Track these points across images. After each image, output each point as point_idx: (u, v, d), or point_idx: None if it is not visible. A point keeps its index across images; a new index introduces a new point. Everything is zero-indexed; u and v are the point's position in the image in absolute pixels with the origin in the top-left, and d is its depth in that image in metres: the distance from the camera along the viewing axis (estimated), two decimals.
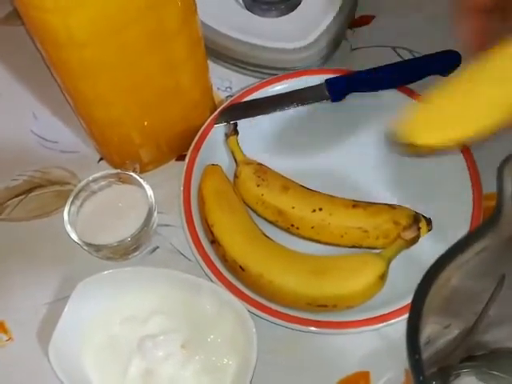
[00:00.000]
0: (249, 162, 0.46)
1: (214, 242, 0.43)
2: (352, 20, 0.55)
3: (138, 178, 0.45)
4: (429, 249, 0.41)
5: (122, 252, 0.44)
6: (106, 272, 0.40)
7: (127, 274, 0.41)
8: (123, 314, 0.41)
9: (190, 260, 0.45)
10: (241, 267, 0.41)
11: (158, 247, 0.46)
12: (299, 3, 0.53)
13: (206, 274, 0.42)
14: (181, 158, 0.50)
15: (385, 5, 0.57)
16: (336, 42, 0.54)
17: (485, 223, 0.21)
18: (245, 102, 0.50)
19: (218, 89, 0.53)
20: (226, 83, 0.54)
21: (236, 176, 0.46)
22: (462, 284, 0.23)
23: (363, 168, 0.48)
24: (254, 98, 0.50)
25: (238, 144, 0.47)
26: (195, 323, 0.40)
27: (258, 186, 0.44)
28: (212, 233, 0.43)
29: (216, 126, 0.48)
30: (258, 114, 0.49)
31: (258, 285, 0.41)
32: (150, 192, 0.44)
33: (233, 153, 0.47)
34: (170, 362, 0.39)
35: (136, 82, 0.42)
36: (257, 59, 0.52)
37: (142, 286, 0.41)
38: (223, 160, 0.48)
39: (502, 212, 0.21)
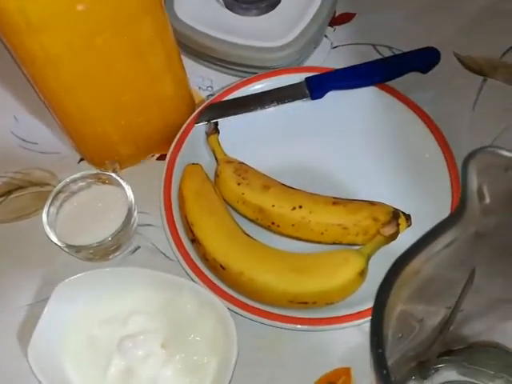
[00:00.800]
0: (229, 161, 0.46)
1: (194, 240, 0.43)
2: (332, 18, 0.56)
3: (117, 178, 0.44)
4: (408, 244, 0.41)
5: (102, 252, 0.44)
6: (85, 273, 0.40)
7: (107, 274, 0.41)
8: (103, 315, 0.41)
9: (170, 259, 0.45)
10: (221, 266, 0.41)
11: (139, 247, 0.46)
12: (279, 2, 0.53)
13: (187, 274, 0.42)
14: (162, 157, 0.50)
15: (365, 3, 0.58)
16: (316, 39, 0.54)
17: (449, 217, 0.21)
18: (225, 100, 0.50)
19: (199, 88, 0.53)
20: (207, 82, 0.54)
21: (217, 175, 0.46)
22: (432, 276, 0.24)
23: (343, 165, 0.48)
24: (235, 96, 0.50)
25: (218, 143, 0.47)
26: (176, 322, 0.40)
27: (239, 184, 0.44)
28: (192, 232, 0.43)
29: (197, 125, 0.48)
30: (239, 113, 0.49)
31: (238, 283, 0.41)
32: (129, 192, 0.44)
33: (213, 152, 0.47)
34: (150, 362, 0.39)
35: (112, 86, 0.42)
36: (237, 58, 0.52)
37: (123, 286, 0.41)
38: (204, 159, 0.48)
39: (466, 206, 0.21)
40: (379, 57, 0.54)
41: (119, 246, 0.45)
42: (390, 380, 0.19)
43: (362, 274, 0.40)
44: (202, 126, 0.49)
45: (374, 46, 0.55)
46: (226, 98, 0.50)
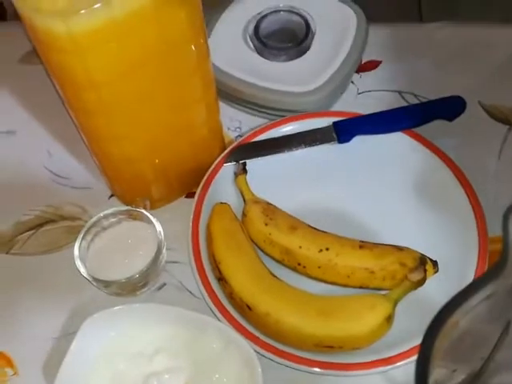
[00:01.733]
0: (257, 201, 0.47)
1: (221, 279, 0.43)
2: (359, 65, 0.57)
3: (147, 214, 0.45)
4: (435, 291, 0.41)
5: (130, 288, 0.44)
6: (113, 308, 0.41)
7: (135, 310, 0.41)
8: (129, 351, 0.41)
9: (197, 297, 0.45)
10: (248, 306, 0.41)
11: (165, 284, 0.46)
12: (308, 49, 0.55)
13: (213, 312, 0.43)
14: (190, 195, 0.51)
15: (391, 50, 0.59)
16: (343, 86, 0.55)
17: (490, 270, 0.22)
18: (254, 142, 0.51)
19: (228, 129, 0.55)
20: (236, 123, 0.55)
21: (244, 214, 0.47)
22: (468, 329, 0.24)
23: (369, 209, 0.48)
24: (263, 138, 0.51)
25: (246, 183, 0.48)
26: (200, 362, 0.40)
27: (266, 224, 0.45)
28: (219, 270, 0.43)
29: (225, 164, 0.49)
30: (267, 154, 0.50)
31: (264, 324, 0.41)
32: (159, 228, 0.45)
33: (241, 191, 0.48)
34: None
35: (149, 121, 0.43)
36: (266, 101, 0.53)
37: (149, 322, 0.41)
38: (232, 198, 0.49)
39: (507, 259, 0.21)
40: (404, 103, 0.55)
41: (147, 283, 0.45)
42: None
43: (389, 319, 0.40)
44: (230, 166, 0.50)
45: (399, 92, 0.56)
46: (254, 140, 0.51)
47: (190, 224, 0.46)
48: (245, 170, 0.49)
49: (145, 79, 0.40)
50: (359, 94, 0.57)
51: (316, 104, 0.53)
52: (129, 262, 0.44)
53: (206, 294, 0.43)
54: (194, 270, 0.44)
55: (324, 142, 0.51)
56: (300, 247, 0.44)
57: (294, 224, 0.45)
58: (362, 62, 0.58)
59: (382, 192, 0.49)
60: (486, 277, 0.22)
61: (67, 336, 0.43)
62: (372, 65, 0.58)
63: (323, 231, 0.45)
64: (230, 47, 0.55)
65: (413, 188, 0.49)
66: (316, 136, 0.51)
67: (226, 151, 0.50)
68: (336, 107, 0.55)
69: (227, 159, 0.50)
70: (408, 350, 0.40)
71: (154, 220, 0.45)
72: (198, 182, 0.48)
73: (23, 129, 0.56)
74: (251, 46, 0.55)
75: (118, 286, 0.43)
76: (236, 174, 0.49)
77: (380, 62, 0.59)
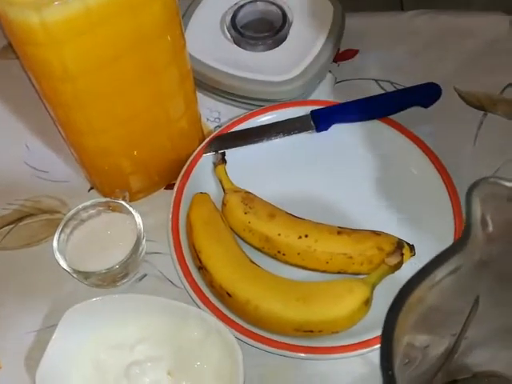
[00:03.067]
0: (236, 190, 0.47)
1: (201, 268, 0.44)
2: (336, 54, 0.57)
3: (127, 206, 0.45)
4: (412, 274, 0.42)
5: (110, 279, 0.45)
6: (93, 299, 0.41)
7: (115, 301, 0.42)
8: (111, 341, 0.41)
9: (177, 287, 0.46)
10: (228, 293, 0.42)
11: (146, 274, 0.47)
12: (285, 38, 0.55)
13: (194, 301, 0.43)
14: (170, 186, 0.51)
15: (368, 40, 0.60)
16: (321, 75, 0.56)
17: (453, 245, 0.22)
18: (233, 132, 0.51)
19: (207, 119, 0.55)
20: (215, 114, 0.56)
21: (224, 204, 0.47)
22: (437, 304, 0.24)
23: (347, 195, 0.49)
24: (242, 128, 0.51)
25: (225, 173, 0.49)
26: (182, 350, 0.41)
27: (246, 213, 0.45)
28: (199, 259, 0.44)
29: (205, 155, 0.50)
30: (246, 144, 0.51)
31: (244, 311, 0.42)
32: (138, 220, 0.45)
33: (221, 181, 0.49)
34: None
35: (126, 113, 0.43)
36: (244, 91, 0.54)
37: (130, 312, 0.41)
38: (211, 188, 0.49)
39: (470, 234, 0.22)
40: (381, 91, 0.56)
41: (127, 273, 0.45)
42: None
43: (367, 303, 0.41)
44: (209, 157, 0.50)
45: (376, 81, 0.57)
46: (233, 130, 0.51)
47: (170, 214, 0.47)
48: (224, 160, 0.49)
49: (121, 71, 0.40)
50: (337, 82, 0.57)
51: (294, 93, 0.53)
52: (109, 254, 0.44)
53: (186, 283, 0.44)
54: (174, 260, 0.45)
55: (302, 131, 0.51)
56: (279, 234, 0.44)
57: (273, 212, 0.46)
58: (340, 51, 0.59)
59: (360, 179, 0.50)
60: (448, 251, 0.22)
61: (49, 328, 0.43)
62: (349, 54, 0.59)
63: (302, 218, 0.46)
64: (207, 38, 0.55)
65: (389, 174, 0.50)
66: (294, 125, 0.51)
67: (204, 142, 0.50)
68: (314, 96, 0.56)
69: (206, 149, 0.50)
70: None
71: (133, 211, 0.45)
72: (178, 174, 0.49)
73: (0, 124, 0.56)
74: (228, 36, 0.55)
75: (98, 277, 0.43)
76: (215, 164, 0.49)
77: (357, 51, 0.59)
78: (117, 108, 0.42)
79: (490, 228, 0.22)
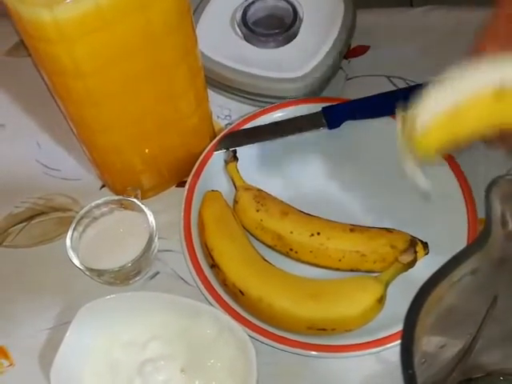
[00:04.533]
0: (248, 188, 0.47)
1: (213, 266, 0.44)
2: (347, 50, 0.57)
3: (139, 203, 0.45)
4: (426, 272, 0.42)
5: (123, 277, 0.45)
6: (107, 297, 0.41)
7: (128, 298, 0.42)
8: (124, 339, 0.41)
9: (190, 285, 0.46)
10: (240, 291, 0.42)
11: (158, 272, 0.47)
12: (296, 35, 0.55)
13: (206, 299, 0.43)
14: (181, 184, 0.51)
15: (379, 36, 0.59)
16: (332, 71, 0.55)
17: (473, 243, 0.22)
18: (244, 129, 0.51)
19: (218, 117, 0.55)
20: (226, 111, 0.55)
21: (235, 201, 0.47)
22: (455, 303, 0.24)
23: (360, 193, 0.48)
24: (253, 125, 0.51)
25: (237, 170, 0.48)
26: (195, 347, 0.41)
27: (258, 211, 0.45)
28: (212, 257, 0.43)
29: (216, 152, 0.49)
30: (257, 141, 0.51)
31: (257, 309, 0.41)
32: (151, 218, 0.45)
33: (232, 179, 0.48)
34: None
35: (138, 110, 0.43)
36: (255, 88, 0.53)
37: (143, 310, 0.41)
38: (223, 186, 0.49)
39: (490, 233, 0.22)
40: (393, 88, 0.55)
41: (140, 271, 0.45)
42: None
43: (381, 301, 0.40)
44: (221, 154, 0.50)
45: (387, 77, 0.56)
46: (244, 127, 0.51)
47: (182, 212, 0.47)
48: (235, 158, 0.49)
49: (132, 68, 0.40)
50: (348, 79, 0.57)
51: (305, 90, 0.53)
52: (121, 251, 0.44)
53: (199, 281, 0.44)
54: (186, 258, 0.45)
55: (314, 128, 0.51)
56: (291, 232, 0.44)
57: (285, 209, 0.45)
58: (351, 48, 0.58)
59: (372, 176, 0.49)
60: (468, 249, 0.22)
61: (61, 326, 0.44)
62: (360, 50, 0.58)
63: (314, 216, 0.45)
64: (217, 35, 0.55)
65: (402, 171, 0.49)
66: (306, 122, 0.51)
67: (216, 139, 0.50)
68: (325, 93, 0.55)
69: (217, 147, 0.50)
70: (400, 331, 0.40)
71: (145, 209, 0.45)
72: (189, 171, 0.49)
73: (12, 122, 0.56)
74: (239, 33, 0.55)
75: (111, 275, 0.43)
76: (226, 162, 0.49)
77: (368, 48, 0.59)
78: (128, 105, 0.42)
79: (511, 226, 0.22)
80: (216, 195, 0.47)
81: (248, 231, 0.46)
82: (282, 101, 0.52)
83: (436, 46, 0.58)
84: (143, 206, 0.45)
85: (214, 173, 0.49)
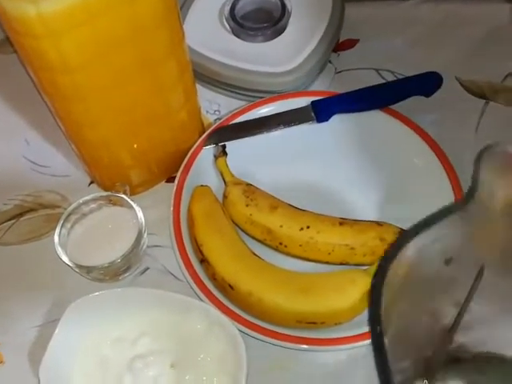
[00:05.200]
0: (237, 183, 0.47)
1: (203, 261, 0.43)
2: (336, 44, 0.57)
3: (127, 199, 0.45)
4: None
5: (112, 273, 0.44)
6: (95, 294, 0.41)
7: (117, 295, 0.42)
8: (113, 335, 0.41)
9: (180, 280, 0.45)
10: (230, 286, 0.42)
11: (148, 268, 0.47)
12: (285, 29, 0.55)
13: (196, 294, 0.43)
14: (171, 179, 0.50)
15: (368, 29, 0.59)
16: (321, 65, 0.55)
17: (449, 205, 0.22)
18: (233, 124, 0.51)
19: (207, 112, 0.54)
20: (215, 106, 0.55)
21: (225, 196, 0.47)
22: (439, 270, 0.24)
23: (349, 187, 0.49)
24: (242, 120, 0.51)
25: (226, 165, 0.48)
26: (185, 343, 0.41)
27: (247, 205, 0.45)
28: (201, 252, 0.43)
29: (205, 147, 0.49)
30: (246, 136, 0.50)
31: (247, 303, 0.41)
32: (139, 213, 0.45)
33: (222, 174, 0.48)
34: (160, 382, 0.39)
35: (126, 105, 0.43)
36: (244, 83, 0.53)
37: (133, 306, 0.41)
38: (212, 181, 0.49)
39: (474, 197, 0.21)
40: (382, 81, 0.55)
41: (129, 267, 0.45)
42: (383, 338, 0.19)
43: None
44: (210, 149, 0.49)
45: (376, 70, 0.56)
46: (233, 122, 0.51)
47: (171, 207, 0.46)
48: (224, 152, 0.49)
49: (119, 62, 0.39)
50: (337, 73, 0.57)
51: (294, 84, 0.53)
52: (110, 248, 0.44)
53: (188, 277, 0.43)
54: (176, 254, 0.45)
55: (303, 122, 0.51)
56: (281, 226, 0.44)
57: (275, 203, 0.45)
58: (340, 41, 0.58)
59: (361, 169, 0.49)
60: (442, 212, 0.22)
61: (51, 323, 0.43)
62: (349, 43, 0.58)
63: (303, 210, 0.45)
64: (206, 29, 0.55)
65: (391, 164, 0.49)
66: (295, 116, 0.51)
67: (205, 134, 0.50)
68: (314, 87, 0.55)
69: (206, 142, 0.49)
70: None
71: (134, 205, 0.45)
72: (178, 167, 0.48)
73: None
74: (227, 27, 0.55)
75: (100, 271, 0.43)
76: (216, 157, 0.49)
77: (357, 41, 0.59)
78: (116, 100, 0.42)
79: (497, 196, 0.22)
80: (205, 190, 0.47)
81: (237, 226, 0.46)
82: (270, 95, 0.52)
83: (424, 38, 0.58)
84: (132, 202, 0.45)
85: (204, 168, 0.49)
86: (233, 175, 0.48)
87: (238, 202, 0.46)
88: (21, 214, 0.50)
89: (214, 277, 0.43)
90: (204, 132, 0.50)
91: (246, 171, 0.48)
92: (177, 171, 0.48)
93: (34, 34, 0.35)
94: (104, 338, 0.41)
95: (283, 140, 0.51)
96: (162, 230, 0.47)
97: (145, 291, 0.42)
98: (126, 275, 0.45)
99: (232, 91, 0.55)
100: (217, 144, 0.49)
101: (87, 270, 0.43)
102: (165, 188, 0.50)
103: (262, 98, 0.52)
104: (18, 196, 0.51)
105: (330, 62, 0.57)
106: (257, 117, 0.51)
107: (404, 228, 0.43)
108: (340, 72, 0.56)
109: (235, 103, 0.54)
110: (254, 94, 0.54)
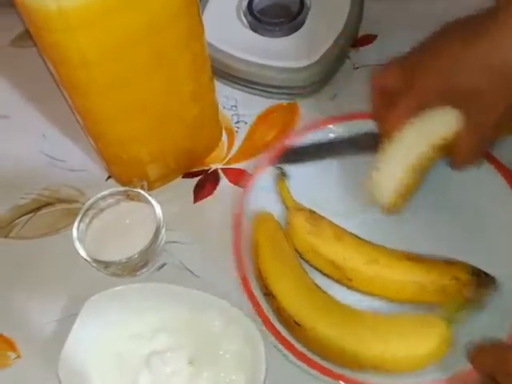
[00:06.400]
0: (300, 209, 0.45)
1: (267, 294, 0.41)
2: (355, 39, 0.56)
3: (145, 195, 0.45)
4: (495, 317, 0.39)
5: (130, 268, 0.44)
6: (114, 289, 0.41)
7: (135, 290, 0.41)
8: (131, 331, 0.41)
9: (196, 276, 0.45)
10: (296, 322, 0.39)
11: (165, 264, 0.46)
12: (303, 24, 0.54)
13: (259, 323, 0.41)
14: (187, 175, 0.50)
15: (387, 24, 0.58)
16: (339, 60, 0.55)
17: None
18: (298, 147, 0.48)
19: (224, 107, 0.54)
20: (232, 102, 0.55)
21: (287, 223, 0.44)
22: None
23: (417, 219, 0.45)
24: (308, 141, 0.48)
25: (287, 189, 0.46)
26: (203, 339, 0.40)
27: (310, 234, 0.43)
28: (266, 285, 0.41)
29: (266, 169, 0.47)
30: (313, 160, 0.48)
31: (314, 342, 0.39)
32: (157, 209, 0.44)
33: (283, 197, 0.46)
34: (177, 379, 0.39)
35: (143, 100, 0.42)
36: (261, 78, 0.53)
37: (151, 302, 0.41)
38: (272, 204, 0.46)
39: None
40: None
41: (146, 263, 0.45)
42: None
43: (447, 343, 0.38)
44: (272, 170, 0.47)
45: None
46: (298, 144, 0.48)
47: (232, 232, 0.44)
48: (286, 175, 0.46)
49: (136, 57, 0.39)
50: (355, 68, 0.56)
51: (312, 79, 0.52)
52: (128, 243, 0.43)
53: (251, 307, 0.41)
54: (238, 282, 0.42)
55: (373, 150, 0.44)
56: (345, 258, 0.42)
57: (339, 233, 0.43)
58: (358, 37, 0.57)
59: (430, 201, 0.46)
60: None
61: (68, 318, 0.43)
62: (368, 39, 0.58)
63: (368, 241, 0.43)
64: (223, 24, 0.55)
65: (465, 199, 0.46)
66: (365, 142, 0.47)
67: (267, 154, 0.47)
68: (332, 83, 0.55)
69: (271, 164, 0.47)
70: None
71: (152, 200, 0.45)
72: (195, 162, 0.48)
73: (17, 113, 0.56)
74: (245, 22, 0.54)
75: (118, 266, 0.43)
76: (277, 179, 0.46)
77: (376, 36, 0.58)
78: (133, 95, 0.41)
79: None
80: (268, 216, 0.44)
81: (300, 255, 0.44)
82: (287, 90, 0.51)
83: None
84: (150, 197, 0.45)
85: (264, 190, 0.46)
86: (294, 200, 0.45)
87: (300, 230, 0.43)
88: (38, 209, 0.50)
89: (278, 311, 0.41)
90: (221, 128, 0.50)
91: (307, 196, 0.45)
92: (194, 167, 0.48)
93: (53, 28, 0.35)
94: (121, 333, 0.41)
95: (349, 166, 0.47)
96: (180, 226, 0.47)
97: (163, 287, 0.42)
98: (143, 271, 0.45)
99: (249, 86, 0.54)
100: (279, 167, 0.47)
101: (105, 265, 0.43)
102: (182, 183, 0.50)
103: (278, 93, 0.51)
104: (36, 190, 0.51)
105: (348, 57, 0.56)
106: (324, 139, 0.48)
107: (476, 266, 0.41)
108: (358, 67, 0.56)
109: (252, 99, 0.54)
110: (271, 89, 0.53)
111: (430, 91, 0.40)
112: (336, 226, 0.44)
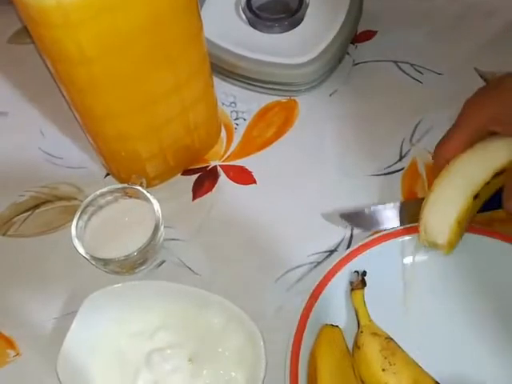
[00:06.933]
0: (375, 332, 0.39)
1: None
2: (354, 35, 0.56)
3: (144, 192, 0.45)
4: None
5: (129, 266, 0.44)
6: (113, 286, 0.41)
7: (134, 287, 0.41)
8: (131, 328, 0.41)
9: (196, 274, 0.45)
10: None
11: (164, 261, 0.46)
12: (302, 20, 0.54)
13: None
14: (187, 172, 0.50)
15: (387, 21, 0.58)
16: (338, 57, 0.54)
17: None
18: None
19: (223, 104, 0.54)
20: (231, 98, 0.55)
21: (358, 347, 0.39)
22: None
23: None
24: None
25: (364, 301, 0.40)
26: (202, 337, 0.40)
27: (384, 370, 0.37)
28: None
29: (340, 273, 0.42)
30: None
31: None
32: (156, 206, 0.44)
33: (356, 311, 0.40)
34: (177, 376, 0.39)
35: (143, 97, 0.42)
36: (260, 74, 0.53)
37: (149, 299, 0.41)
38: (342, 315, 0.41)
39: None
40: (401, 73, 0.54)
41: (145, 260, 0.45)
42: None
43: None
44: (345, 275, 0.42)
45: (395, 62, 0.55)
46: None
47: (292, 339, 0.39)
48: (364, 283, 0.41)
49: (136, 54, 0.39)
50: (355, 64, 0.56)
51: (311, 76, 0.52)
52: (127, 240, 0.43)
53: None
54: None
55: None
56: None
57: (418, 377, 0.37)
58: (358, 33, 0.57)
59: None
60: None
61: (67, 315, 0.43)
62: (368, 35, 0.58)
63: None
64: (222, 20, 0.54)
65: None
66: None
67: (343, 258, 0.42)
68: (331, 79, 0.54)
69: (348, 267, 0.41)
70: None
71: (150, 197, 0.45)
72: (195, 159, 0.48)
73: (15, 110, 0.55)
74: (244, 18, 0.54)
75: (117, 264, 0.43)
76: (353, 287, 0.41)
77: (376, 32, 0.58)
78: (133, 92, 0.41)
79: None
80: (335, 335, 0.39)
81: None
82: (287, 87, 0.51)
83: (444, 30, 0.57)
84: (148, 195, 0.45)
85: (334, 297, 0.41)
86: (370, 318, 0.40)
87: (372, 363, 0.38)
88: (36, 206, 0.50)
89: None
90: (221, 125, 0.50)
91: (385, 315, 0.40)
92: (193, 164, 0.48)
93: (52, 24, 0.35)
94: (122, 330, 0.41)
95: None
96: (179, 223, 0.47)
97: (162, 284, 0.42)
98: (142, 268, 0.45)
99: (248, 83, 0.54)
100: (358, 272, 0.41)
101: (104, 262, 0.43)
102: (181, 180, 0.50)
103: (277, 89, 0.51)
104: (34, 188, 0.50)
105: (347, 53, 0.56)
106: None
107: None
108: (358, 64, 0.56)
109: (251, 95, 0.54)
110: (270, 85, 0.53)
111: (486, 119, 0.40)
112: (414, 364, 0.39)
